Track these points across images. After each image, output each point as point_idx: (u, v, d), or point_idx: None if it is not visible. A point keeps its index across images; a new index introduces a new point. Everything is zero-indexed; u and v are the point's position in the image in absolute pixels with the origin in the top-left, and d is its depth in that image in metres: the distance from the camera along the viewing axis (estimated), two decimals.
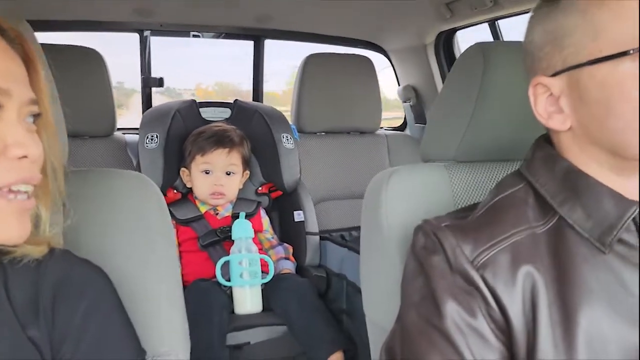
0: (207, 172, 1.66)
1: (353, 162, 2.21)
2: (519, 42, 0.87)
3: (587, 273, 0.59)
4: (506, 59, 0.86)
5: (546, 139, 0.69)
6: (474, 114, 0.87)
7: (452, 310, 0.60)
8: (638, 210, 0.59)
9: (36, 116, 0.58)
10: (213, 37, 2.29)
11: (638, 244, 0.59)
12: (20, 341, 0.56)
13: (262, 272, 1.52)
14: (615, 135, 0.58)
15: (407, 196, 0.88)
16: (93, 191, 0.78)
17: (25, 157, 0.53)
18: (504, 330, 0.59)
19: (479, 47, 0.89)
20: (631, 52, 0.54)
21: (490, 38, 2.02)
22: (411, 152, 2.35)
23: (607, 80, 0.56)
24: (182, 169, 1.72)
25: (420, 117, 2.56)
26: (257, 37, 2.36)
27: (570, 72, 0.59)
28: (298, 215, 1.77)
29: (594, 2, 0.57)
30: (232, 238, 1.51)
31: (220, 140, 1.66)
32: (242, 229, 1.51)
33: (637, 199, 0.60)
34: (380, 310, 0.90)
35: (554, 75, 0.61)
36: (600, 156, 0.61)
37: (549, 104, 0.63)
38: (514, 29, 1.96)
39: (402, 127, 2.76)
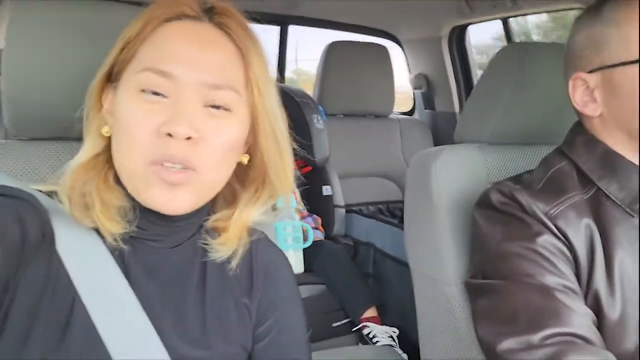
0: None
1: (368, 143, 2.38)
2: (549, 43, 1.05)
3: (619, 230, 0.77)
4: (538, 58, 1.03)
5: (582, 126, 0.86)
6: (508, 103, 1.03)
7: (541, 239, 0.75)
8: None
9: (222, 107, 0.59)
10: None
11: None
12: (238, 304, 0.67)
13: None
14: (636, 122, 0.75)
15: (452, 171, 1.04)
16: None
17: (170, 135, 0.55)
18: (573, 266, 0.75)
19: (515, 47, 1.06)
20: None
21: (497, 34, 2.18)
22: (421, 135, 2.54)
23: (635, 78, 0.74)
24: None
25: (429, 103, 2.74)
26: (283, 23, 2.50)
27: (605, 70, 0.77)
28: (326, 190, 1.94)
29: (627, 18, 0.75)
30: (277, 206, 1.67)
31: None
32: (286, 200, 1.67)
33: None
34: (428, 265, 1.06)
35: (591, 72, 0.79)
36: (624, 139, 0.79)
37: (585, 95, 0.81)
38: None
39: (410, 112, 2.93)
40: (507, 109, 1.04)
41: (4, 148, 0.79)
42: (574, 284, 0.74)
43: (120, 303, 0.59)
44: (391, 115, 2.53)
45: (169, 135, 0.55)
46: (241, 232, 0.67)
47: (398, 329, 1.60)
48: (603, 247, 0.76)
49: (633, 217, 0.78)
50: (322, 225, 1.92)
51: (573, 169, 0.83)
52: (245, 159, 0.65)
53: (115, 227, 0.59)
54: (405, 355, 1.52)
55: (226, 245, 0.66)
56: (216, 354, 0.64)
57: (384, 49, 2.42)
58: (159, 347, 0.60)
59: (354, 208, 2.12)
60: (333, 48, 2.30)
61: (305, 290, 1.62)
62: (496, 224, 0.81)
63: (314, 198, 2.04)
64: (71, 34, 0.75)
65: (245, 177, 0.68)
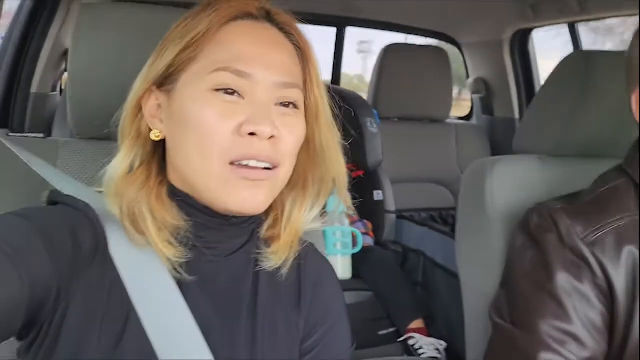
0: None
1: (423, 148, 2.34)
2: (616, 52, 0.99)
3: None
4: (606, 66, 0.98)
5: None
6: (572, 113, 0.99)
7: (562, 277, 0.74)
8: None
9: (292, 103, 0.60)
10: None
11: None
12: (287, 317, 0.66)
13: None
14: None
15: (508, 183, 1.01)
16: None
17: (254, 134, 0.56)
18: (607, 296, 0.73)
19: (582, 55, 1.01)
20: None
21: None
22: (478, 142, 2.48)
23: None
24: None
25: (487, 108, 2.66)
26: (340, 24, 2.50)
27: None
28: (377, 195, 1.93)
29: None
30: (326, 210, 1.67)
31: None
32: (336, 203, 1.66)
33: None
34: (479, 278, 1.03)
35: None
36: None
37: None
38: None
39: (467, 117, 2.86)
40: (571, 119, 0.99)
41: (68, 146, 0.82)
42: (584, 328, 0.71)
43: (173, 315, 0.59)
44: (447, 120, 2.48)
45: (252, 134, 0.56)
46: (293, 239, 0.66)
47: (446, 341, 1.56)
48: None
49: None
50: (372, 230, 1.90)
51: (631, 187, 0.79)
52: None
53: (171, 251, 0.58)
54: None
55: (278, 253, 0.65)
56: None
57: (443, 52, 2.37)
58: None
59: (405, 214, 2.09)
60: (390, 50, 2.27)
61: (352, 297, 1.60)
62: (528, 250, 0.79)
63: (364, 203, 2.01)
64: (136, 37, 0.77)
65: (303, 177, 0.67)
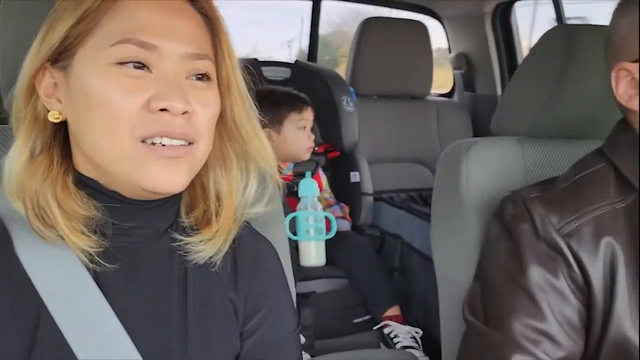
0: (303, 129, 1.75)
1: (403, 126, 2.27)
2: (601, 26, 0.92)
3: None
4: (589, 42, 0.91)
5: (627, 122, 0.76)
6: (552, 92, 0.93)
7: (536, 272, 0.69)
8: None
9: (205, 75, 0.58)
10: None
11: None
12: (224, 300, 0.63)
13: None
14: None
15: (485, 167, 0.95)
16: None
17: (165, 110, 0.53)
18: (584, 291, 0.68)
19: (563, 28, 0.95)
20: None
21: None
22: (459, 119, 2.43)
23: None
24: (266, 129, 1.75)
25: (469, 85, 2.60)
26: None
27: None
28: (354, 176, 1.87)
29: None
30: (299, 195, 1.62)
31: (306, 99, 1.76)
32: (309, 188, 1.61)
33: None
34: (453, 265, 0.98)
35: (636, 61, 0.69)
36: None
37: (629, 87, 0.71)
38: None
39: (449, 94, 2.79)
40: (551, 98, 0.93)
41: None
42: (559, 327, 0.68)
43: (90, 310, 0.55)
44: (428, 97, 2.41)
45: (163, 110, 0.53)
46: (231, 226, 0.62)
47: (423, 328, 1.52)
48: (637, 264, 0.67)
49: None
50: (349, 214, 1.84)
51: (611, 172, 0.74)
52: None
53: (85, 242, 0.54)
54: (426, 358, 1.45)
55: (212, 240, 0.61)
56: (201, 358, 0.59)
57: (422, 26, 2.30)
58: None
59: (385, 195, 2.04)
60: (368, 25, 2.19)
61: (327, 284, 1.55)
62: (502, 241, 0.75)
63: (341, 185, 1.96)
64: None
65: (220, 154, 0.63)
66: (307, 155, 1.76)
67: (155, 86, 0.53)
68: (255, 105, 0.63)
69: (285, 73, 2.00)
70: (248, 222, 0.68)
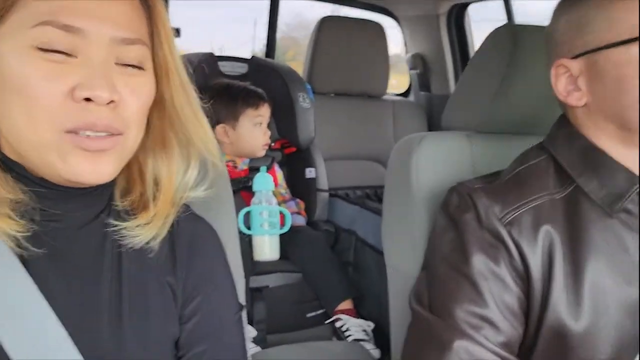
0: (259, 125, 1.74)
1: (359, 124, 2.30)
2: (544, 27, 0.96)
3: (595, 234, 0.70)
4: (534, 41, 0.94)
5: (566, 118, 0.79)
6: (499, 89, 0.96)
7: (479, 260, 0.71)
8: None
9: (138, 66, 0.55)
10: None
11: (638, 212, 0.71)
12: (161, 284, 0.62)
13: None
14: (625, 109, 0.69)
15: (434, 160, 0.97)
16: None
17: (89, 100, 0.51)
18: (524, 278, 0.71)
19: (510, 28, 0.98)
20: None
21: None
22: (415, 118, 2.46)
23: (621, 61, 0.67)
24: (221, 125, 1.72)
25: (425, 85, 2.64)
26: None
27: (589, 55, 0.70)
28: (309, 172, 1.87)
29: None
30: (254, 190, 1.61)
31: (263, 95, 1.75)
32: (264, 182, 1.60)
33: None
34: (401, 257, 1.00)
35: (575, 57, 0.72)
36: (610, 130, 0.72)
37: (568, 83, 0.74)
38: None
39: (405, 94, 2.84)
40: (498, 95, 0.96)
41: None
42: (499, 313, 0.70)
43: (22, 299, 0.53)
44: (385, 97, 2.44)
45: (87, 100, 0.50)
46: (168, 210, 0.61)
47: (375, 322, 1.54)
48: (573, 253, 0.70)
49: (612, 217, 0.71)
50: (304, 209, 1.85)
51: (551, 164, 0.77)
52: None
53: (11, 226, 0.51)
54: (377, 351, 1.47)
55: (148, 225, 0.59)
56: (137, 346, 0.58)
57: (379, 27, 2.32)
58: (70, 349, 0.53)
59: (340, 192, 2.05)
60: (326, 23, 2.19)
61: (281, 278, 1.55)
62: (447, 232, 0.77)
63: (297, 181, 1.96)
64: None
65: (161, 139, 0.62)
66: (262, 152, 1.76)
67: (80, 73, 0.50)
68: (198, 93, 0.62)
69: (242, 68, 1.99)
70: (189, 206, 0.67)
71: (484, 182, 0.79)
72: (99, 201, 0.60)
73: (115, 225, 0.59)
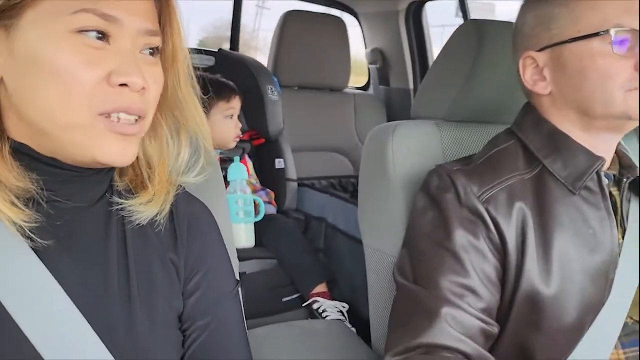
0: (231, 117, 1.76)
1: (323, 117, 2.36)
2: (507, 22, 1.04)
3: (560, 209, 0.79)
4: (497, 35, 1.02)
5: (531, 106, 0.87)
6: (466, 81, 1.03)
7: (460, 235, 0.78)
8: (601, 164, 0.79)
9: (155, 50, 0.59)
10: None
11: (598, 190, 0.80)
12: (164, 261, 0.65)
13: None
14: (586, 98, 0.77)
15: (407, 147, 1.03)
16: None
17: (125, 85, 0.54)
18: (500, 250, 0.78)
19: (474, 23, 1.05)
20: (601, 33, 0.74)
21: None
22: (375, 111, 2.55)
23: (583, 53, 0.76)
24: None
25: (384, 79, 2.73)
26: None
27: (554, 47, 0.78)
28: (279, 163, 1.92)
29: None
30: (228, 179, 1.64)
31: (234, 88, 1.77)
32: (238, 172, 1.64)
33: (602, 155, 0.80)
34: (380, 237, 1.06)
35: (541, 50, 0.80)
36: (573, 116, 0.80)
37: (534, 73, 0.82)
38: None
39: (365, 87, 2.92)
40: (464, 86, 1.03)
41: None
42: (480, 282, 0.76)
43: (37, 286, 0.54)
44: (346, 90, 2.51)
45: (122, 85, 0.54)
46: (166, 189, 0.64)
47: (349, 303, 1.61)
48: (542, 226, 0.78)
49: (574, 194, 0.79)
50: (274, 199, 1.89)
51: (520, 148, 0.84)
52: None
53: (19, 215, 0.53)
54: (354, 330, 1.53)
55: (151, 202, 0.63)
56: (146, 322, 0.61)
57: (340, 22, 2.39)
58: (90, 333, 0.56)
59: (307, 182, 2.11)
60: (289, 17, 2.24)
61: (256, 265, 1.60)
62: (428, 211, 0.83)
63: (266, 171, 2.01)
64: None
65: (153, 124, 0.64)
66: (233, 144, 1.79)
67: (115, 59, 0.53)
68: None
69: (210, 61, 2.01)
70: (183, 187, 0.70)
71: (461, 164, 0.86)
72: (104, 182, 0.62)
73: (121, 203, 0.61)
